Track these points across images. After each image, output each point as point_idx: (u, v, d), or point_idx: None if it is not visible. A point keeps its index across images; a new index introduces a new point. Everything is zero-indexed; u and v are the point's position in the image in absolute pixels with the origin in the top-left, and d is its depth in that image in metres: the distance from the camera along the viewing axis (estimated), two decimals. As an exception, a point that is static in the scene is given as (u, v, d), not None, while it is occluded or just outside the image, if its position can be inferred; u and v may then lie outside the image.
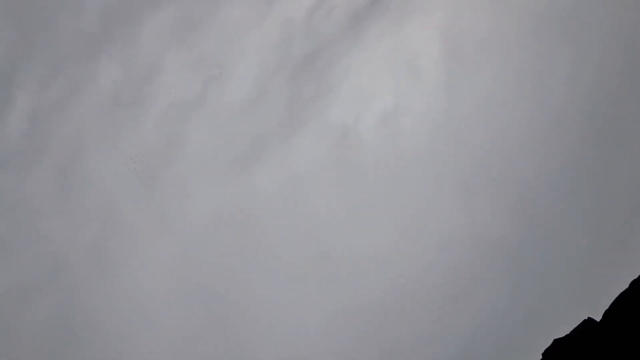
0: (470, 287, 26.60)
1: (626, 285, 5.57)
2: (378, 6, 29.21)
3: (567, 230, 25.55)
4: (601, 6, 25.09)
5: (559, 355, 5.32)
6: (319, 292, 29.09)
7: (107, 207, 29.62)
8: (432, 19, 28.39)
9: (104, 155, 30.42)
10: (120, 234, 30.42)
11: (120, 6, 30.92)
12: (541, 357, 5.59)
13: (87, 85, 29.09)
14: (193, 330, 28.95)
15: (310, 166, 31.71)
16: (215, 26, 31.74)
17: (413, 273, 27.03)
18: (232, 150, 31.03)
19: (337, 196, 31.16)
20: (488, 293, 25.34)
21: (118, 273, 29.96)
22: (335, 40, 30.02)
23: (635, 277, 5.49)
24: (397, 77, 30.59)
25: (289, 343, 27.50)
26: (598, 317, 5.78)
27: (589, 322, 5.63)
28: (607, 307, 5.54)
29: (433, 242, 27.59)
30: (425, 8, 28.39)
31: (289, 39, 30.46)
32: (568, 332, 5.56)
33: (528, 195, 26.40)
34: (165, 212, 31.33)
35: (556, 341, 5.51)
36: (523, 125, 27.51)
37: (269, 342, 27.86)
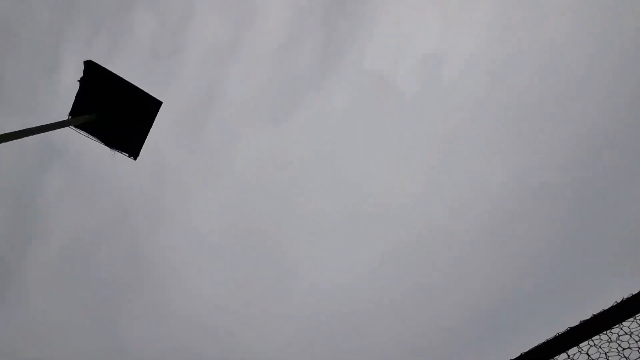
0: (491, 249, 26.41)
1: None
2: None
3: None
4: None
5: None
6: (353, 242, 29.91)
7: (156, 160, 29.24)
8: None
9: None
10: (173, 186, 30.39)
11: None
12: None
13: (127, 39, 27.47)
14: (244, 273, 29.54)
15: (345, 115, 30.85)
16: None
17: (435, 225, 27.31)
18: (268, 97, 30.55)
19: (370, 146, 30.92)
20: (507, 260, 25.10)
21: (174, 223, 30.49)
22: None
23: None
24: (444, 12, 26.99)
25: (324, 292, 28.11)
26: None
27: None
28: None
29: (462, 196, 27.22)
30: None
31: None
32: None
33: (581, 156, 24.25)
34: (212, 160, 31.02)
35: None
36: (585, 81, 24.22)
37: (306, 291, 28.59)
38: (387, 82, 29.29)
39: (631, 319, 2.07)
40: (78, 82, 5.95)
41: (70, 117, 5.94)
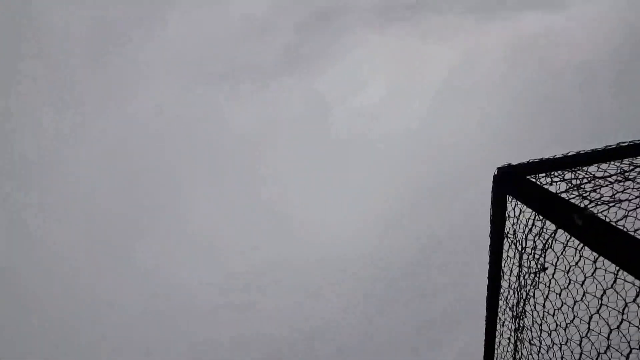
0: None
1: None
2: (415, 11, 28.34)
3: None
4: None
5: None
6: (249, 238, 28.66)
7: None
8: (451, 51, 28.46)
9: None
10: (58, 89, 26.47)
11: None
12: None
13: None
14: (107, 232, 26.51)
15: (279, 119, 30.42)
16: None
17: (333, 254, 27.47)
18: (209, 62, 28.61)
19: (293, 158, 30.40)
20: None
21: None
22: (362, 11, 28.54)
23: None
24: (394, 82, 29.98)
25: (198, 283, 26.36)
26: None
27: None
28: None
29: (355, 237, 27.76)
30: (449, 38, 28.33)
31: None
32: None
33: (449, 245, 25.74)
34: (112, 90, 27.22)
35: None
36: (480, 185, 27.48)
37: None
38: (324, 109, 29.70)
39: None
40: None
41: None
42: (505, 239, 2.40)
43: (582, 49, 25.37)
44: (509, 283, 2.60)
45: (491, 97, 27.62)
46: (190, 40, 26.90)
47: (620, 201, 1.77)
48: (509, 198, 2.20)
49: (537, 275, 2.16)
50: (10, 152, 26.32)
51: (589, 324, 1.75)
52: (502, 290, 2.75)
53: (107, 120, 27.28)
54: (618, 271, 1.54)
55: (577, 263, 1.79)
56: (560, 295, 1.98)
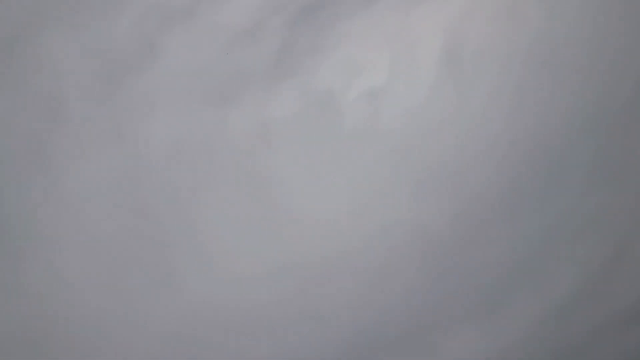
0: (393, 276, 26.60)
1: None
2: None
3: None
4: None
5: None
6: (260, 245, 27.13)
7: (56, 97, 23.99)
8: (440, 14, 27.71)
9: (62, 40, 25.00)
10: (67, 133, 24.63)
11: None
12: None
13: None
14: (122, 250, 23.87)
15: (284, 122, 29.07)
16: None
17: (349, 244, 26.51)
18: (208, 79, 27.35)
19: (302, 157, 29.26)
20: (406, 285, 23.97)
21: (56, 172, 23.88)
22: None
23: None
24: (394, 59, 29.23)
25: (219, 288, 24.36)
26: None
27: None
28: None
29: (376, 223, 27.14)
30: (436, 2, 27.58)
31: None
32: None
33: (484, 207, 25.62)
34: (120, 125, 25.44)
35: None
36: (505, 143, 27.45)
37: (195, 286, 24.58)
38: (334, 104, 29.42)
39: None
40: None
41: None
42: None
43: None
44: None
45: (495, 54, 26.43)
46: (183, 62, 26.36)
47: None
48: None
49: None
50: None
51: None
52: None
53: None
54: None
55: None
56: None
